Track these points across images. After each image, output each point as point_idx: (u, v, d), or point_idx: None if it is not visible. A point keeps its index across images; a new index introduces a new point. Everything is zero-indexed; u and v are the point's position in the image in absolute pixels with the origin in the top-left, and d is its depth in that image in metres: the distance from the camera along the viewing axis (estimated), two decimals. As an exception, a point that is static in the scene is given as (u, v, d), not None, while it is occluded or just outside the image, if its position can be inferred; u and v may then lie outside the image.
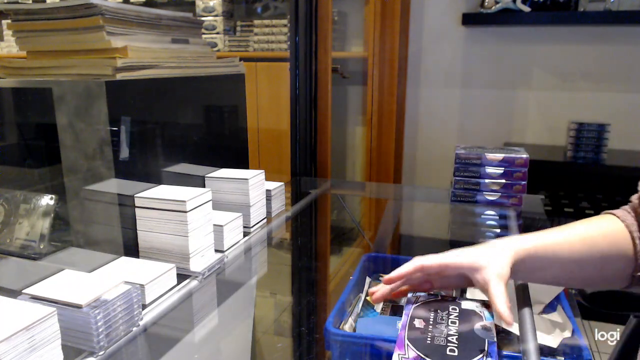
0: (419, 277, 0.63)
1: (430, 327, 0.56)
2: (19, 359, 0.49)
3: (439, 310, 0.60)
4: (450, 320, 0.57)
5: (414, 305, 0.61)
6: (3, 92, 0.88)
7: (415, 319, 0.58)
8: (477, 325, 0.56)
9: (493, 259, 0.57)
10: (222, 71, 1.10)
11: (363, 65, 2.27)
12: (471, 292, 0.74)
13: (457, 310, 0.60)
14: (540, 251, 0.59)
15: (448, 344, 0.53)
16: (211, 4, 2.37)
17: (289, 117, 1.52)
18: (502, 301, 0.53)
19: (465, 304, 0.62)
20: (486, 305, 0.60)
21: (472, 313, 0.58)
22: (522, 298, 0.66)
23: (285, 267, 1.05)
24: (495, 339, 0.54)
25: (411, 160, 2.49)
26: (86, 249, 0.82)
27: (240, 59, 1.16)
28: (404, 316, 0.59)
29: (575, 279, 0.63)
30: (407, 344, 0.54)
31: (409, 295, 0.64)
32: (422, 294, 0.64)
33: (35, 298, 0.60)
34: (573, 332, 0.68)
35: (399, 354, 0.52)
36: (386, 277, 0.63)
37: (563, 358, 0.64)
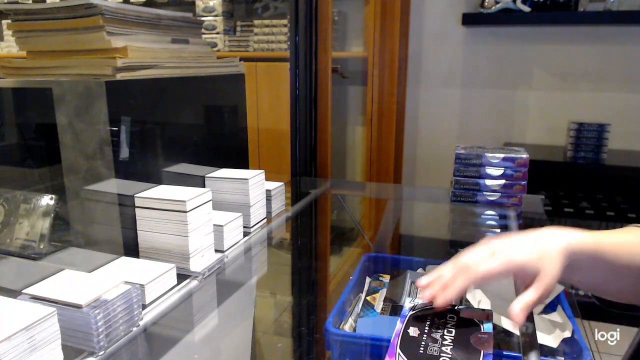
0: None
1: (425, 336, 0.55)
2: (19, 359, 0.49)
3: (436, 319, 0.58)
4: (446, 330, 0.56)
5: (411, 313, 0.60)
6: (3, 92, 0.88)
7: (410, 327, 0.57)
8: (474, 336, 0.54)
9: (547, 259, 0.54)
10: (222, 71, 1.10)
11: (363, 65, 2.27)
12: (472, 296, 0.74)
13: (455, 319, 0.58)
14: (595, 251, 0.56)
15: (441, 355, 0.52)
16: (211, 4, 2.37)
17: (289, 117, 1.52)
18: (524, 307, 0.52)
19: (465, 313, 0.60)
20: (486, 315, 0.59)
21: (470, 322, 0.57)
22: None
23: (285, 267, 1.05)
24: (491, 351, 0.52)
25: (411, 160, 2.49)
26: (86, 249, 0.82)
27: (240, 59, 1.16)
28: (398, 324, 0.58)
29: (609, 288, 0.61)
30: (399, 353, 0.53)
31: (408, 300, 0.63)
32: (421, 301, 0.63)
33: (35, 298, 0.60)
34: (573, 332, 0.68)
35: None
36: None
37: (563, 358, 0.64)
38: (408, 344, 0.54)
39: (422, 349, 0.53)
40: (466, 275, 0.55)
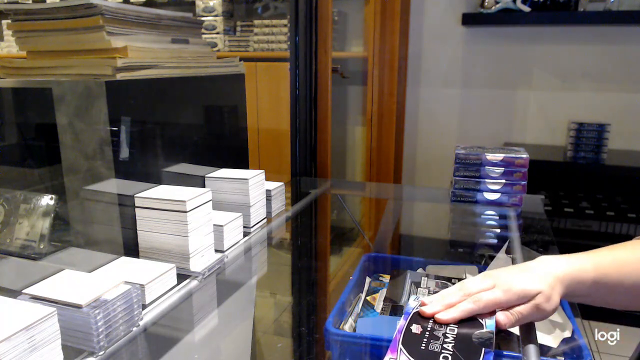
0: None
1: (427, 333, 0.56)
2: (19, 359, 0.49)
3: None
4: (449, 328, 0.56)
5: (414, 310, 0.60)
6: (3, 92, 0.88)
7: (414, 324, 0.57)
8: (476, 333, 0.55)
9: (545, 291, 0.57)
10: (222, 71, 1.10)
11: (363, 65, 2.27)
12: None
13: None
14: (595, 279, 0.59)
15: (442, 351, 0.53)
16: (211, 4, 2.37)
17: (289, 117, 1.52)
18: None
19: None
20: (490, 313, 0.59)
21: (473, 320, 0.58)
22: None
23: (285, 267, 1.05)
24: (492, 349, 0.53)
25: (411, 160, 2.49)
26: (86, 249, 0.82)
27: (240, 59, 1.16)
28: (402, 320, 0.58)
29: (616, 304, 0.63)
30: (401, 349, 0.53)
31: (412, 297, 0.64)
32: (425, 298, 0.63)
33: (35, 298, 0.60)
34: (573, 332, 0.68)
35: (390, 358, 0.52)
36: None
37: (563, 358, 0.64)
38: (410, 340, 0.55)
39: (423, 345, 0.53)
40: (470, 302, 0.57)
